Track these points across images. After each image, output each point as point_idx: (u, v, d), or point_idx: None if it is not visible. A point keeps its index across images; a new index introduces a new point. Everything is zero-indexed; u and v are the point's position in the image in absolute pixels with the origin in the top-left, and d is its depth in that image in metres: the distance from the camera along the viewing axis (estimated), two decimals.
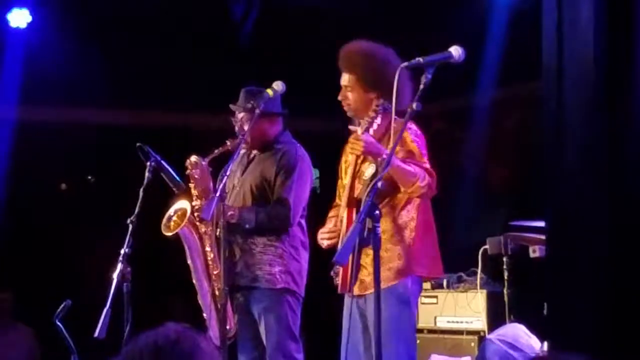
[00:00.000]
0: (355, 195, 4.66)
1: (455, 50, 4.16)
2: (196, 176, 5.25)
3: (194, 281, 5.28)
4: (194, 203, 5.24)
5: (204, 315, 5.27)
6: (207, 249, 5.23)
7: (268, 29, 7.97)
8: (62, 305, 4.81)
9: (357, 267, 4.52)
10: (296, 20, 7.77)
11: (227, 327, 5.10)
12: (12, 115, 8.06)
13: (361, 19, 7.30)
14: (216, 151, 5.20)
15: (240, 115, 5.37)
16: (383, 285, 4.51)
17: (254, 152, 5.51)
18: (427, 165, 4.58)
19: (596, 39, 4.39)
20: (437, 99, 4.63)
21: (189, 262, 5.27)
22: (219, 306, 5.14)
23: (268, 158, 5.42)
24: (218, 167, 5.09)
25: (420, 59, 4.11)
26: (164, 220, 5.24)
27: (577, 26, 4.46)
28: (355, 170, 4.73)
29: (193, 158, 5.26)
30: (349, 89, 4.79)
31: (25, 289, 7.95)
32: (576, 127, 4.51)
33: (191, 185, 5.27)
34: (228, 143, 5.15)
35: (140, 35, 7.82)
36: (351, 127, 4.58)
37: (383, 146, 4.52)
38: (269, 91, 5.14)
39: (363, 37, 4.83)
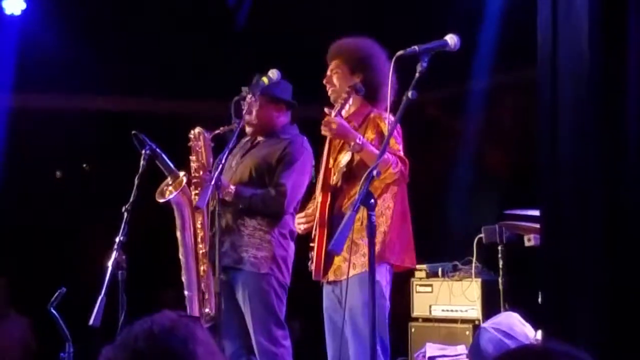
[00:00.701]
0: (331, 182, 4.73)
1: (451, 39, 4.19)
2: (197, 149, 5.29)
3: (180, 256, 5.26)
4: (192, 175, 5.25)
5: (185, 293, 5.26)
6: (198, 225, 5.23)
7: (264, 14, 7.95)
8: (57, 293, 4.81)
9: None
10: (291, 5, 7.75)
11: (207, 309, 5.13)
12: (6, 102, 8.04)
13: (356, 4, 7.29)
14: (222, 128, 5.21)
15: (249, 98, 5.37)
16: (358, 270, 4.60)
17: (259, 138, 5.52)
18: (401, 153, 4.65)
19: (591, 27, 4.38)
20: (432, 87, 4.63)
21: (178, 234, 5.26)
22: (202, 286, 5.16)
23: (274, 145, 5.43)
24: (218, 153, 5.10)
25: (416, 47, 4.12)
26: (159, 189, 5.24)
27: (571, 15, 4.45)
28: (330, 157, 4.79)
29: (197, 129, 5.31)
30: (334, 71, 4.90)
31: (20, 277, 7.94)
32: (571, 116, 4.51)
33: (191, 157, 5.29)
34: (235, 123, 5.15)
35: (136, 21, 7.80)
36: (326, 110, 4.64)
37: (360, 133, 4.60)
38: (265, 79, 5.15)
39: (357, 21, 4.86)
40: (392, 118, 4.43)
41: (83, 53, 7.67)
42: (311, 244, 4.78)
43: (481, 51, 7.43)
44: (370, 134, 4.71)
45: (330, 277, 4.76)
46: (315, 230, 4.75)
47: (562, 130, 4.52)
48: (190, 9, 7.92)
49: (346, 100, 4.59)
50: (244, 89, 5.38)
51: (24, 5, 7.66)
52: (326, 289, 4.85)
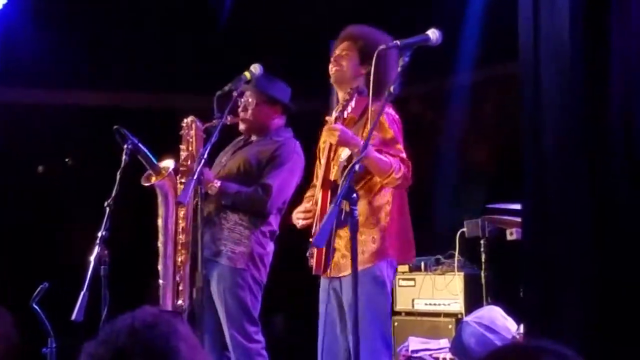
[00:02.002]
0: (331, 178, 4.68)
1: (433, 33, 4.18)
2: (188, 138, 5.29)
3: (158, 244, 5.25)
4: (180, 164, 5.26)
5: (160, 281, 5.24)
6: (180, 215, 5.22)
7: (247, 9, 7.94)
8: (39, 289, 4.80)
9: (332, 249, 4.55)
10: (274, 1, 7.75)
11: (181, 301, 5.12)
12: None
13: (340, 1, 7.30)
14: (214, 121, 5.17)
15: (245, 95, 5.36)
16: (358, 267, 4.54)
17: (253, 137, 5.52)
18: (403, 155, 4.59)
19: (572, 21, 4.40)
20: (415, 81, 4.64)
21: (159, 222, 5.25)
22: (177, 277, 5.16)
23: (266, 145, 5.44)
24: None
25: (398, 42, 4.13)
26: (146, 174, 5.23)
27: (553, 8, 4.47)
28: (330, 153, 4.75)
29: (190, 118, 5.31)
30: (344, 52, 4.79)
31: (1, 272, 7.91)
32: (553, 110, 4.53)
33: (182, 146, 5.28)
34: (228, 118, 5.13)
35: (118, 15, 7.79)
36: (327, 118, 4.62)
37: (360, 129, 4.56)
38: (247, 74, 5.14)
39: (342, 16, 4.84)
40: (386, 108, 4.46)
41: (65, 47, 7.64)
42: (311, 239, 4.74)
43: (464, 46, 7.44)
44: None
45: (330, 273, 4.72)
46: (316, 226, 4.71)
47: (545, 124, 4.54)
48: (174, 3, 7.90)
49: (348, 102, 4.48)
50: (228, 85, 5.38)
51: (5, 0, 7.62)
52: (324, 283, 4.80)
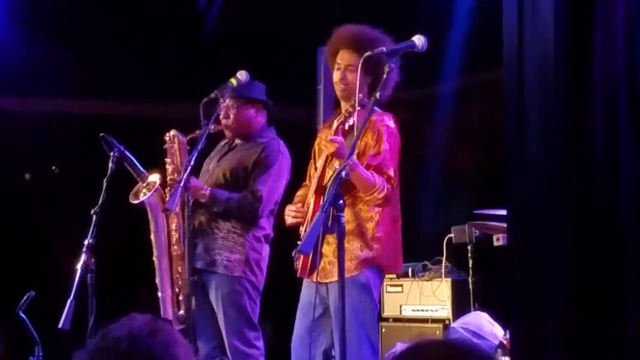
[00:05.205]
0: (324, 184, 4.68)
1: (419, 40, 4.20)
2: (172, 151, 5.29)
3: (154, 259, 5.26)
4: (168, 178, 5.25)
5: (159, 294, 5.25)
6: (173, 227, 5.22)
7: (233, 16, 7.95)
8: (26, 297, 4.80)
9: (319, 254, 4.55)
10: (261, 8, 7.75)
11: (182, 311, 5.12)
12: None
13: (326, 5, 7.29)
14: (197, 132, 5.18)
15: (224, 103, 5.34)
16: (346, 275, 4.54)
17: (237, 141, 5.51)
18: (391, 173, 4.59)
19: (556, 29, 4.41)
20: (401, 88, 4.63)
21: (152, 237, 5.26)
22: (176, 289, 5.16)
23: (250, 149, 5.43)
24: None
25: (384, 49, 4.14)
26: (134, 190, 5.23)
27: (537, 15, 4.48)
28: (327, 160, 4.73)
29: (172, 132, 5.30)
30: (350, 68, 4.64)
31: None
32: (538, 114, 4.53)
33: (167, 160, 5.28)
34: (211, 127, 5.12)
35: (105, 24, 7.78)
36: (321, 127, 4.61)
37: (354, 137, 4.56)
38: (233, 80, 5.14)
39: (329, 21, 4.83)
40: (387, 120, 4.53)
41: (52, 55, 7.63)
42: (298, 242, 4.73)
43: (450, 53, 7.45)
44: (370, 140, 4.64)
45: (315, 278, 4.70)
46: (305, 230, 4.70)
47: (528, 131, 4.54)
48: (161, 11, 7.90)
49: (350, 115, 4.44)
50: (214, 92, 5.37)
51: None
52: (309, 285, 4.76)
